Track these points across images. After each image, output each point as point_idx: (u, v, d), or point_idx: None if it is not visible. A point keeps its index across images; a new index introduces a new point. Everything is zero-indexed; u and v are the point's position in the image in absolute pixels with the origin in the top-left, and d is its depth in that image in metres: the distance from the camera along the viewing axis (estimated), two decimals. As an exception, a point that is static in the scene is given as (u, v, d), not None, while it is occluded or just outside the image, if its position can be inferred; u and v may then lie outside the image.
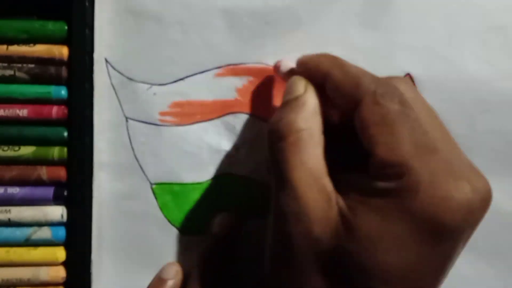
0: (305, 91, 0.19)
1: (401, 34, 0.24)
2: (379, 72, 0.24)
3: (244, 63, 0.24)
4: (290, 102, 0.19)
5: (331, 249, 0.16)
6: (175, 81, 0.24)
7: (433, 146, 0.16)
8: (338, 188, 0.17)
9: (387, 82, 0.18)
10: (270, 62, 0.24)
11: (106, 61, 0.23)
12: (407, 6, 0.24)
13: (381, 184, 0.16)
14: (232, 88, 0.24)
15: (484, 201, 0.16)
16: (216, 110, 0.24)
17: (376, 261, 0.16)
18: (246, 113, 0.24)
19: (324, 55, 0.20)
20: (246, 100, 0.24)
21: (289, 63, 0.22)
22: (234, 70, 0.24)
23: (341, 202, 0.17)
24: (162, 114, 0.24)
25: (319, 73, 0.19)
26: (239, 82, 0.24)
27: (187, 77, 0.24)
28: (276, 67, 0.23)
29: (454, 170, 0.16)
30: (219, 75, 0.24)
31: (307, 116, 0.18)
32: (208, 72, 0.24)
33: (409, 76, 0.24)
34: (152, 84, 0.23)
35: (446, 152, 0.16)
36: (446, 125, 0.18)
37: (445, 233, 0.15)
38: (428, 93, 0.24)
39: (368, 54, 0.24)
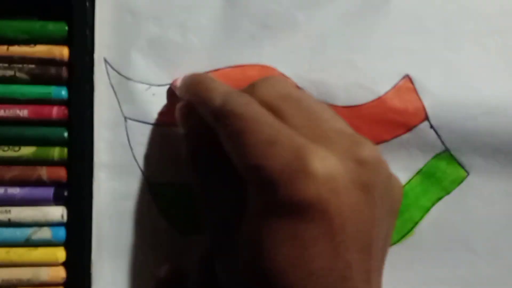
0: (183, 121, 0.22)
1: (399, 36, 0.25)
2: (378, 74, 0.25)
3: (242, 65, 0.24)
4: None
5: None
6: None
7: (274, 137, 0.17)
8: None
9: (232, 97, 0.19)
10: (268, 63, 0.24)
11: (105, 61, 0.24)
12: (405, 8, 0.25)
13: (251, 190, 0.17)
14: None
15: (343, 168, 0.16)
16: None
17: (264, 263, 0.16)
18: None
19: (189, 81, 0.22)
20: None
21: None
22: (231, 72, 0.24)
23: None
24: (161, 114, 0.24)
25: (187, 97, 0.22)
26: (236, 83, 0.24)
27: (186, 77, 0.24)
28: (173, 84, 0.24)
29: (299, 149, 0.16)
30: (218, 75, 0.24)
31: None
32: (207, 73, 0.24)
33: (408, 77, 0.24)
34: (151, 85, 0.24)
35: (289, 136, 0.17)
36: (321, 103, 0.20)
37: (311, 210, 0.16)
38: (427, 94, 0.24)
39: (365, 55, 0.25)
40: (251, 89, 0.20)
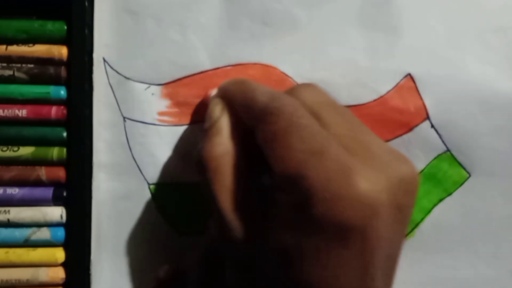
0: (220, 115, 0.20)
1: (400, 34, 0.24)
2: (379, 73, 0.24)
3: (242, 64, 0.24)
4: (207, 129, 0.20)
5: (253, 268, 0.18)
6: (173, 81, 0.24)
7: (321, 148, 0.16)
8: (265, 203, 0.18)
9: (280, 97, 0.18)
10: (269, 62, 0.24)
11: (104, 60, 0.24)
12: (407, 6, 0.24)
13: (284, 198, 0.16)
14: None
15: (388, 189, 0.16)
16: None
17: (294, 277, 0.16)
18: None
19: (233, 81, 0.21)
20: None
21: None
22: (231, 71, 0.24)
23: (260, 218, 0.18)
24: (160, 114, 0.24)
25: (228, 100, 0.21)
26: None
27: (185, 77, 0.24)
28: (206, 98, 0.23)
29: (345, 167, 0.16)
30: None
31: (223, 141, 0.19)
32: (207, 73, 0.24)
33: (409, 76, 0.24)
34: (150, 84, 0.24)
35: (336, 151, 0.16)
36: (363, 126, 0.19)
37: (349, 232, 0.15)
38: (428, 93, 0.24)
39: (368, 53, 0.24)
40: (292, 92, 0.19)
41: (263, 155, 0.18)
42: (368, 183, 0.16)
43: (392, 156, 0.17)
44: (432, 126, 0.24)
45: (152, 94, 0.24)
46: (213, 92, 0.23)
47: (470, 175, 0.25)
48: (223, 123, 0.20)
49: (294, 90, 0.20)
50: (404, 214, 0.17)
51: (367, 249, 0.16)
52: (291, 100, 0.18)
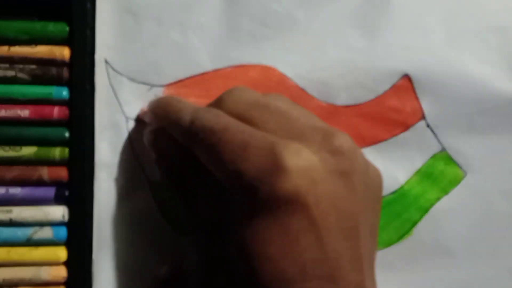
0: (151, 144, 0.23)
1: (399, 34, 0.25)
2: (377, 73, 0.25)
3: (243, 65, 0.25)
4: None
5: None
6: (174, 82, 0.24)
7: (244, 141, 0.18)
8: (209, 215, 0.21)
9: (200, 115, 0.20)
10: (268, 63, 0.25)
11: (106, 61, 0.24)
12: (405, 6, 0.25)
13: (234, 197, 0.18)
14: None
15: (318, 158, 0.17)
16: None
17: (255, 263, 0.17)
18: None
19: (157, 103, 0.23)
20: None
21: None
22: (232, 72, 0.25)
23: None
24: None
25: (157, 121, 0.23)
26: (237, 83, 0.25)
27: (186, 78, 0.24)
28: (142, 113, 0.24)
29: (270, 147, 0.17)
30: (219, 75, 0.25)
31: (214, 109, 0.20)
32: (208, 74, 0.25)
33: (407, 76, 0.25)
34: (153, 85, 0.24)
35: (260, 137, 0.18)
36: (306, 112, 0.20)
37: (293, 204, 0.17)
38: (426, 93, 0.25)
39: (366, 54, 0.25)
40: (218, 103, 0.21)
41: None
42: (296, 155, 0.17)
43: (325, 132, 0.18)
44: (428, 125, 0.25)
45: (155, 95, 0.24)
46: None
47: (466, 174, 0.25)
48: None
49: (217, 100, 0.21)
50: (351, 182, 0.18)
51: (314, 216, 0.17)
52: (212, 113, 0.19)
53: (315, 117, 0.20)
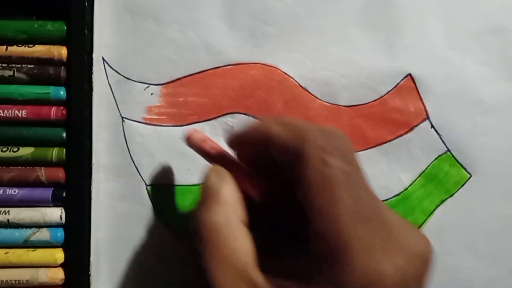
0: (220, 181, 0.19)
1: (402, 34, 0.25)
2: (380, 73, 0.25)
3: (243, 63, 0.25)
4: (204, 196, 0.18)
5: None
6: (172, 81, 0.24)
7: (374, 216, 0.16)
8: (273, 272, 0.17)
9: (335, 134, 0.17)
10: (269, 62, 0.25)
11: (104, 60, 0.24)
12: (407, 7, 0.25)
13: (316, 253, 0.16)
14: (229, 89, 0.25)
15: (420, 265, 0.16)
16: (213, 111, 0.24)
17: None
18: (244, 114, 0.25)
19: (261, 119, 0.19)
20: (244, 100, 0.25)
21: (200, 134, 0.21)
22: (232, 70, 0.25)
23: None
24: (159, 114, 0.24)
25: (259, 134, 0.18)
26: (237, 82, 0.25)
27: (184, 77, 0.25)
28: (188, 139, 0.21)
29: (388, 239, 0.16)
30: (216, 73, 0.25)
31: (223, 210, 0.18)
32: (206, 73, 0.25)
33: (410, 77, 0.25)
34: (150, 84, 0.24)
35: (386, 219, 0.16)
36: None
37: None
38: (430, 94, 0.25)
39: (369, 54, 0.25)
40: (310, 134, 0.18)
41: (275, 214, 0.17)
42: (408, 260, 0.16)
43: (408, 230, 0.17)
44: (432, 126, 0.25)
45: (151, 94, 0.24)
46: (195, 135, 0.21)
47: (471, 176, 0.25)
48: (223, 190, 0.18)
49: (337, 129, 0.18)
50: (423, 285, 0.17)
51: None
52: (349, 144, 0.17)
53: (393, 210, 0.18)
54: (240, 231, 0.18)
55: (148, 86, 0.24)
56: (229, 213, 0.18)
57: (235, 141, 0.20)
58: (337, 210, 0.15)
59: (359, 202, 0.16)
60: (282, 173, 0.18)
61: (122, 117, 0.24)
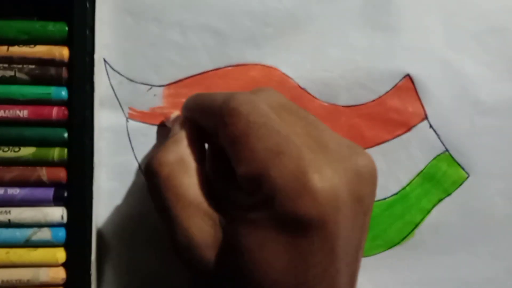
0: (178, 130, 0.21)
1: (400, 34, 0.25)
2: (378, 73, 0.25)
3: (243, 64, 0.25)
4: (167, 142, 0.20)
5: (223, 269, 0.18)
6: (174, 82, 0.25)
7: (280, 147, 0.17)
8: (225, 207, 0.19)
9: (236, 96, 0.19)
10: (269, 63, 0.25)
11: (106, 61, 0.25)
12: (406, 7, 0.26)
13: (249, 199, 0.17)
14: (230, 89, 0.25)
15: (357, 181, 0.17)
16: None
17: (258, 272, 0.17)
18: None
19: (190, 97, 0.22)
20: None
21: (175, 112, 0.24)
22: (232, 71, 0.25)
23: (224, 222, 0.18)
24: (162, 115, 0.25)
25: (189, 113, 0.21)
26: (237, 83, 0.25)
27: (186, 78, 0.25)
28: (166, 120, 0.24)
29: (303, 165, 0.17)
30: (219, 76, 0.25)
31: (178, 149, 0.20)
32: (208, 74, 0.25)
33: (408, 77, 0.25)
34: (152, 85, 0.25)
35: (297, 145, 0.17)
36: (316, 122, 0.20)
37: (311, 227, 0.16)
38: (428, 94, 0.25)
39: (368, 54, 0.25)
40: (252, 92, 0.20)
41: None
42: (325, 179, 0.17)
43: (349, 150, 0.18)
44: (431, 126, 0.25)
45: (154, 95, 0.25)
46: (173, 115, 0.24)
47: (468, 175, 0.26)
48: (181, 135, 0.20)
49: (252, 91, 0.20)
50: (365, 206, 0.18)
51: (329, 242, 0.17)
52: (249, 99, 0.18)
53: (336, 133, 0.20)
54: (193, 167, 0.19)
55: (150, 88, 0.25)
56: (182, 152, 0.20)
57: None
58: (249, 154, 0.17)
59: (265, 140, 0.17)
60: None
61: (127, 118, 0.25)
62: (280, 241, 0.17)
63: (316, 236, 0.17)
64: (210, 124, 0.19)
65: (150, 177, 0.19)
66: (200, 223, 0.18)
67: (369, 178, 0.18)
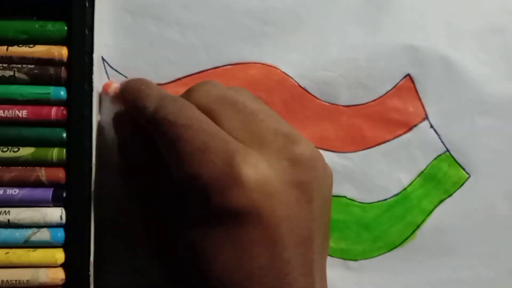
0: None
1: (401, 34, 0.26)
2: (379, 73, 0.25)
3: (243, 63, 0.25)
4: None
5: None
6: (173, 81, 0.25)
7: (204, 144, 0.18)
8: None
9: (165, 105, 0.20)
10: (269, 61, 0.25)
11: (104, 60, 0.25)
12: (407, 7, 0.26)
13: (187, 198, 0.19)
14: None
15: (292, 171, 0.18)
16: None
17: (207, 269, 0.18)
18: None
19: (128, 84, 0.23)
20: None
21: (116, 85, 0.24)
22: (232, 70, 0.25)
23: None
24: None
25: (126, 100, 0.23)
26: (236, 82, 0.25)
27: (185, 77, 0.25)
28: (104, 89, 0.25)
29: (229, 157, 0.18)
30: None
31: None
32: (206, 73, 0.25)
33: (409, 77, 0.25)
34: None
35: (220, 143, 0.18)
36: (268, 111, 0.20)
37: (246, 216, 0.17)
38: (429, 94, 0.25)
39: (368, 54, 0.26)
40: (188, 93, 0.21)
41: None
42: (254, 168, 0.17)
43: (285, 139, 0.19)
44: (431, 126, 0.26)
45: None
46: (112, 85, 0.24)
47: (469, 176, 0.26)
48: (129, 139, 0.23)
49: (188, 91, 0.21)
50: (308, 191, 0.18)
51: (268, 231, 0.17)
52: (178, 104, 0.20)
53: (282, 120, 0.21)
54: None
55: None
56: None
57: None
58: (180, 160, 0.18)
59: (199, 140, 0.18)
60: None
61: None
62: (220, 235, 0.18)
63: (252, 226, 0.17)
64: (144, 124, 0.21)
65: (166, 127, 0.20)
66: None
67: (308, 164, 0.18)
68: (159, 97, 0.21)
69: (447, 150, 0.26)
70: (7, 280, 0.23)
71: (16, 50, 0.24)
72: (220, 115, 0.19)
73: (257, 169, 0.18)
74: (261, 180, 0.17)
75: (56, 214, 0.24)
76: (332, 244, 0.25)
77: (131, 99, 0.22)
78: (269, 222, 0.17)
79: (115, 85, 0.24)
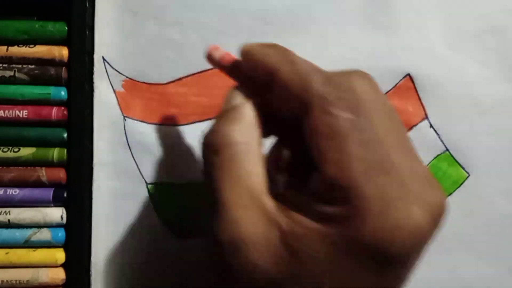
0: (242, 101, 0.18)
1: (400, 34, 0.26)
2: (379, 73, 0.26)
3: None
4: (226, 112, 0.18)
5: (274, 276, 0.16)
6: (173, 81, 0.25)
7: (386, 164, 0.15)
8: (281, 206, 0.17)
9: (341, 83, 0.17)
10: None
11: (105, 60, 0.25)
12: (406, 7, 0.26)
13: (326, 209, 0.15)
14: (229, 88, 0.25)
15: (434, 221, 0.16)
16: (214, 110, 0.25)
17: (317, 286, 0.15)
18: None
19: (272, 46, 0.19)
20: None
21: (223, 51, 0.21)
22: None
23: (284, 223, 0.16)
24: (160, 113, 0.25)
25: (266, 68, 0.18)
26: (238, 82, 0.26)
27: (185, 77, 0.26)
28: (209, 55, 0.21)
29: (406, 192, 0.15)
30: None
31: (244, 129, 0.18)
32: (207, 73, 0.26)
33: (408, 76, 0.26)
34: (152, 84, 0.25)
35: (400, 169, 0.15)
36: (403, 128, 0.17)
37: (394, 261, 0.15)
38: (429, 93, 0.26)
39: (368, 54, 0.26)
40: (345, 79, 0.17)
41: (301, 152, 0.17)
42: (425, 214, 0.15)
43: (429, 181, 0.16)
44: (431, 126, 0.26)
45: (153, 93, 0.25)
46: (218, 51, 0.21)
47: (469, 175, 0.26)
48: (245, 110, 0.18)
49: (346, 78, 0.17)
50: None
51: (401, 276, 0.16)
52: (353, 90, 0.16)
53: (413, 149, 0.17)
54: (257, 153, 0.17)
55: (149, 86, 0.25)
56: (249, 133, 0.18)
57: (234, 71, 0.20)
58: (346, 158, 0.15)
59: (368, 150, 0.15)
60: (286, 118, 0.18)
61: (124, 116, 0.25)
62: (352, 266, 0.15)
63: (396, 271, 0.15)
64: (291, 101, 0.17)
65: (210, 154, 0.17)
66: (254, 217, 0.16)
67: (443, 218, 0.16)
68: (325, 76, 0.17)
69: (447, 150, 0.26)
70: (7, 280, 0.24)
71: (17, 50, 0.24)
72: (380, 124, 0.16)
73: (424, 216, 0.15)
74: (427, 229, 0.15)
75: (56, 214, 0.24)
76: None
77: (286, 69, 0.17)
78: (408, 271, 0.16)
79: (223, 51, 0.21)
